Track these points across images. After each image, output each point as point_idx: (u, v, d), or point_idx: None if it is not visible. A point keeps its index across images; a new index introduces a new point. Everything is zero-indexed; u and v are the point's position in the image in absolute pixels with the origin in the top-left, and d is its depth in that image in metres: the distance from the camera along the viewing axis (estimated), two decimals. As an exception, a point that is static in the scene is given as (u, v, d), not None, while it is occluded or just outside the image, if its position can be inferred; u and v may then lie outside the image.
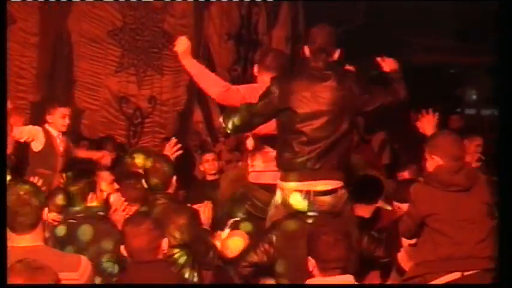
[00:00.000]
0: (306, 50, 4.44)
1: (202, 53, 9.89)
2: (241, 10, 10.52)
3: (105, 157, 6.70)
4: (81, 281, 3.07)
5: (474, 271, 4.05)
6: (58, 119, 6.26)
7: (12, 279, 2.76)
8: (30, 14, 8.27)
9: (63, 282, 2.88)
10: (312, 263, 3.30)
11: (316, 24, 4.68)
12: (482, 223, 4.15)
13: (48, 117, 6.26)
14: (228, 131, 4.64)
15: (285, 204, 4.31)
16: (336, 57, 4.44)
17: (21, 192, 3.17)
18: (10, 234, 3.19)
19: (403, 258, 4.42)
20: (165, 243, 3.39)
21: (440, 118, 5.01)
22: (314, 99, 4.33)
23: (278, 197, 4.36)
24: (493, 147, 6.05)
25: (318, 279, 3.28)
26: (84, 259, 3.20)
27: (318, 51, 4.41)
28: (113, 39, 9.11)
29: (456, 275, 4.04)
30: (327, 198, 4.26)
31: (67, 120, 6.31)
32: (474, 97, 13.29)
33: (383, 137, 8.62)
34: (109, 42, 9.08)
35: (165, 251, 3.42)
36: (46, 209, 3.26)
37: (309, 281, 3.34)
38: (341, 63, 4.62)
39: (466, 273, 4.05)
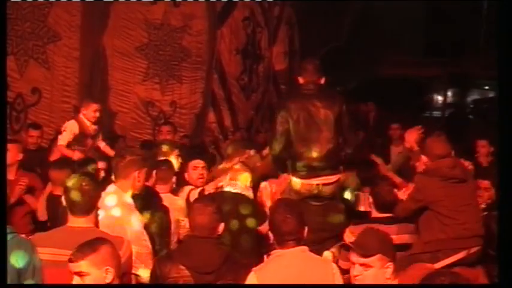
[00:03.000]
0: (300, 79, 5.01)
1: (215, 65, 10.54)
2: (247, 30, 11.00)
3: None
4: (123, 258, 3.20)
5: (476, 248, 4.35)
6: (90, 113, 6.91)
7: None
8: (73, 33, 8.58)
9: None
10: (271, 237, 3.46)
11: (306, 59, 5.17)
12: (477, 205, 4.59)
13: (83, 110, 6.93)
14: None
15: (299, 193, 4.93)
16: (323, 82, 5.01)
17: (82, 183, 3.37)
18: (69, 215, 3.44)
19: (348, 236, 4.63)
20: (221, 227, 3.52)
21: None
22: (310, 116, 4.86)
23: (295, 187, 4.93)
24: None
25: (277, 251, 3.39)
26: (126, 240, 3.40)
27: (309, 79, 4.97)
28: (141, 54, 9.46)
29: (462, 254, 4.35)
30: (329, 188, 5.02)
31: (97, 114, 6.95)
32: (435, 103, 14.15)
33: (361, 136, 8.85)
34: (137, 56, 9.41)
35: (220, 233, 3.53)
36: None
37: (272, 252, 3.45)
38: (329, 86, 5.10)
39: (471, 251, 4.33)
